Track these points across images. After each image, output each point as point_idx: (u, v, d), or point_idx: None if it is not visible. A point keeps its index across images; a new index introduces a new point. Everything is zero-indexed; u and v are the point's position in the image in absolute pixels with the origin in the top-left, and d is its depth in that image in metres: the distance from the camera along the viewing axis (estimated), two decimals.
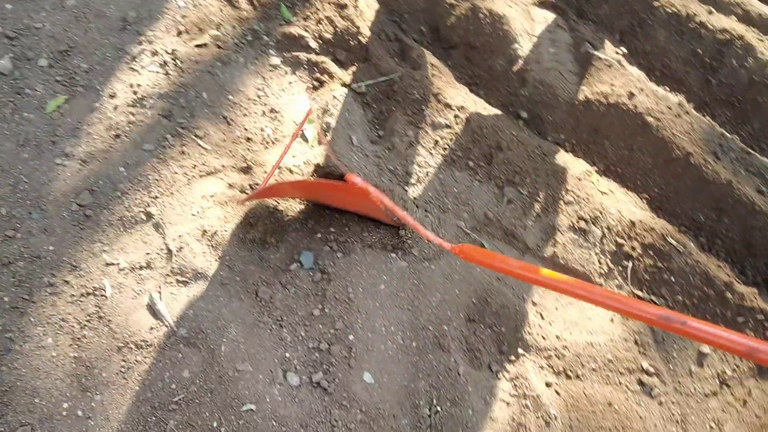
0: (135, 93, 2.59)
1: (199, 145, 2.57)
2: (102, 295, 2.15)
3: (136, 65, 2.67)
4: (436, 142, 2.83)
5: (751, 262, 2.75)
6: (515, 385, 2.31)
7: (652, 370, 2.43)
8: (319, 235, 2.51)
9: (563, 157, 2.84)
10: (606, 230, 2.61)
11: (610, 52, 3.24)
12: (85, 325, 2.07)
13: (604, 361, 2.42)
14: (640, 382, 2.41)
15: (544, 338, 2.43)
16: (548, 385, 2.34)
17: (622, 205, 2.68)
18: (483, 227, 2.67)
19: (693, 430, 2.33)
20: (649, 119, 2.87)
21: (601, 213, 2.63)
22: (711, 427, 2.34)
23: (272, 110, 2.79)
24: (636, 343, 2.47)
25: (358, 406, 2.18)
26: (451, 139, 2.83)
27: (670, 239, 2.59)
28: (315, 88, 2.99)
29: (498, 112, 2.96)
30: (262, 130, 2.72)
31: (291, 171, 2.65)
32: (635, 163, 2.88)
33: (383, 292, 2.42)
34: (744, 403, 2.41)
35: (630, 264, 2.61)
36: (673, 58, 3.26)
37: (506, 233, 2.65)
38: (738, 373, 2.47)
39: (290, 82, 2.92)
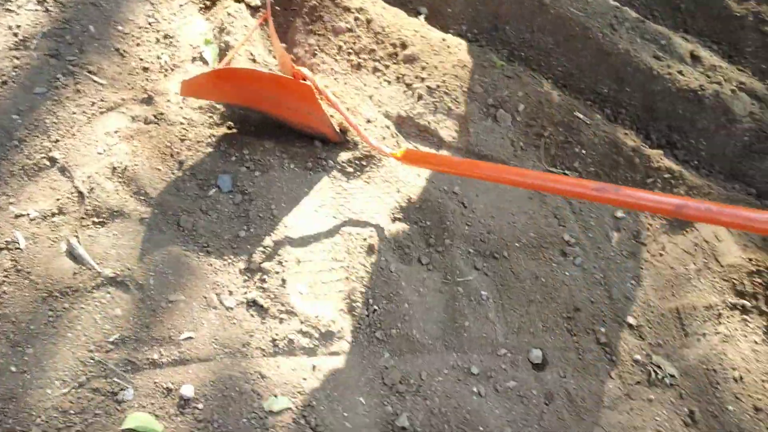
0: (15, 35, 2.44)
1: (94, 81, 2.46)
2: (16, 248, 2.09)
3: (11, 5, 2.51)
4: (340, 47, 2.79)
5: (654, 126, 2.86)
6: (445, 273, 2.38)
7: (572, 240, 2.54)
8: (234, 158, 2.48)
9: (467, 48, 2.84)
10: (516, 113, 2.65)
11: None
12: (3, 281, 2.02)
13: (527, 239, 2.51)
14: (563, 253, 2.52)
15: (468, 225, 2.49)
16: (477, 268, 2.43)
17: (529, 87, 2.72)
18: (398, 126, 2.67)
19: (615, 288, 2.47)
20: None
21: (509, 97, 2.66)
22: (632, 284, 2.49)
23: (166, 36, 2.68)
24: (555, 217, 2.56)
25: (297, 316, 2.21)
26: (354, 43, 2.79)
27: (577, 114, 2.66)
28: (208, 8, 2.88)
29: (398, 10, 2.92)
30: (158, 57, 2.62)
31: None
32: (537, 44, 2.91)
33: (307, 205, 2.43)
34: (660, 257, 2.56)
35: (542, 142, 2.68)
36: None
37: (420, 129, 2.66)
38: (651, 231, 2.60)
39: (181, 5, 2.81)
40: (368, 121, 2.56)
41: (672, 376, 2.35)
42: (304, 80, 2.31)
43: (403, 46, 2.75)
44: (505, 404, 2.18)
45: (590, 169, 2.65)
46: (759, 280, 2.51)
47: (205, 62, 2.75)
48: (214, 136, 2.51)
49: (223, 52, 2.74)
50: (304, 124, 2.49)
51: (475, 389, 2.19)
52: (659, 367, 2.35)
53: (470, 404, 2.15)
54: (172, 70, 2.62)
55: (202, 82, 2.29)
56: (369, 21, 2.77)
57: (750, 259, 2.56)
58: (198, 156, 2.46)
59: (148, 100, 2.50)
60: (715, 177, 2.78)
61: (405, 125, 2.66)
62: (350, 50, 2.76)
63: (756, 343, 2.45)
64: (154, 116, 2.46)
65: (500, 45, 2.95)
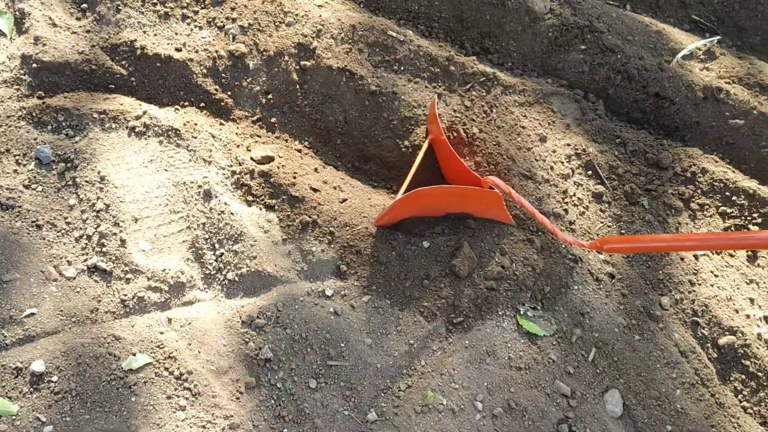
0: None
1: None
2: None
3: None
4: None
5: (466, 35, 2.97)
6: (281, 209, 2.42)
7: None
8: (50, 127, 2.39)
9: None
10: (331, 39, 2.69)
11: None
12: None
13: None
14: None
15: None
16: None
17: (341, 13, 2.76)
18: None
19: None
20: None
21: (322, 25, 2.69)
22: None
23: None
24: None
25: (143, 273, 2.20)
26: None
27: (390, 33, 2.72)
28: None
29: None
30: None
31: None
32: None
33: (135, 162, 2.39)
34: None
35: (359, 64, 2.73)
36: None
37: None
38: None
39: None
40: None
41: None
42: (491, 188, 2.33)
43: None
44: (362, 317, 2.27)
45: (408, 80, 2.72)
46: None
47: (2, 34, 2.60)
48: (24, 108, 2.40)
49: (19, 22, 2.60)
50: (483, 215, 2.48)
51: (331, 309, 2.26)
52: None
53: (329, 324, 2.22)
54: None
55: (394, 212, 2.33)
56: None
57: None
58: (11, 132, 2.35)
59: None
60: (528, 75, 2.95)
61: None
62: (155, 0, 2.69)
63: None
64: None
65: None
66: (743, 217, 2.67)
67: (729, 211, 2.67)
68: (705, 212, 2.68)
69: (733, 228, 2.67)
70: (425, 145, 2.53)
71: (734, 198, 2.67)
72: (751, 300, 2.52)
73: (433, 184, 2.45)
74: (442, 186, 2.45)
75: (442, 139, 2.43)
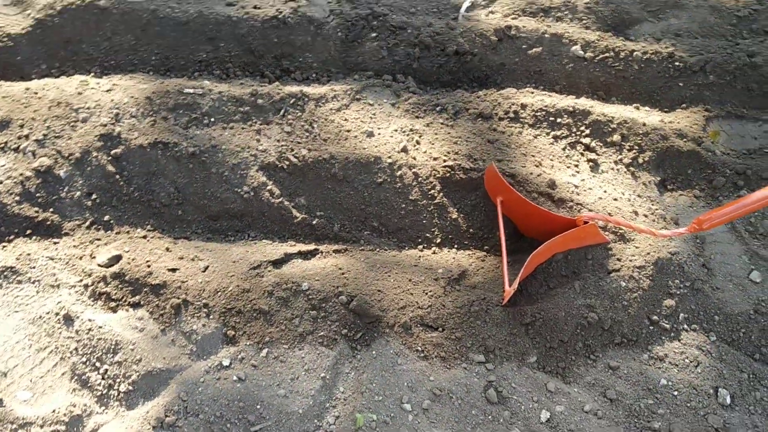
0: None
1: None
2: None
3: None
4: None
5: (263, 63, 2.98)
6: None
7: None
8: None
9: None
10: (132, 119, 2.63)
11: None
12: None
13: None
14: None
15: None
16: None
17: (132, 90, 2.70)
18: None
19: None
20: None
21: (118, 109, 2.63)
22: None
23: None
24: None
25: (34, 423, 2.09)
26: None
27: (187, 90, 2.69)
28: None
29: None
30: None
31: None
32: (118, 47, 2.87)
33: None
34: None
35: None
36: None
37: None
38: None
39: None
40: None
41: None
42: (586, 222, 2.46)
43: None
44: (267, 372, 2.25)
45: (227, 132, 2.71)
46: None
47: None
48: None
49: None
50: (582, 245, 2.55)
51: (234, 377, 2.23)
52: None
53: (238, 392, 2.18)
54: None
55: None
56: None
57: None
58: None
59: None
60: (335, 79, 2.99)
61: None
62: None
63: None
64: None
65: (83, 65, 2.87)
66: (573, 135, 2.83)
67: (559, 133, 2.82)
68: (541, 142, 2.82)
69: (568, 147, 2.83)
70: (499, 210, 2.59)
71: (559, 120, 2.82)
72: None
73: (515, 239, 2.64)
74: (549, 242, 2.48)
75: (516, 197, 2.51)
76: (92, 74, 2.83)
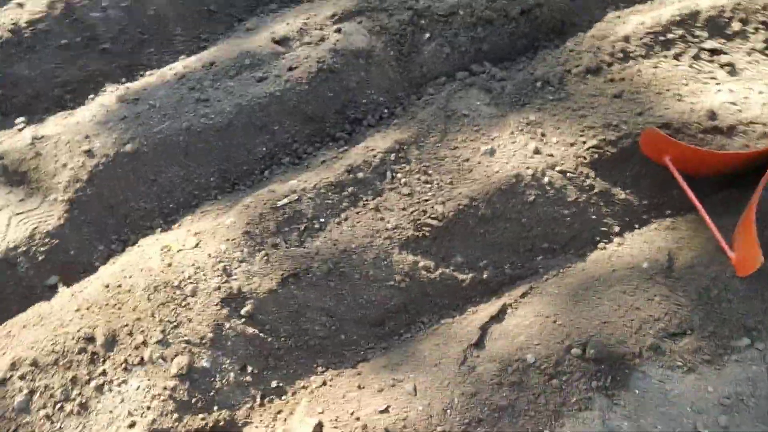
0: None
1: None
2: None
3: None
4: None
5: None
6: None
7: None
8: None
9: None
10: None
11: None
12: None
13: None
14: None
15: None
16: None
17: None
18: None
19: None
20: None
21: None
22: None
23: None
24: None
25: None
26: None
27: None
28: None
29: None
30: None
31: None
32: None
33: None
34: None
35: None
36: None
37: None
38: None
39: None
40: None
41: None
42: None
43: None
44: None
45: None
46: None
47: None
48: None
49: None
50: None
51: None
52: None
53: None
54: None
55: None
56: None
57: None
58: None
59: None
60: (409, 102, 2.56)
61: None
62: None
63: None
64: None
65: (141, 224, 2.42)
66: (692, 45, 2.46)
67: (677, 50, 2.46)
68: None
69: (692, 62, 2.45)
70: (673, 169, 2.23)
71: (669, 35, 2.49)
72: None
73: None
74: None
75: (690, 150, 2.19)
76: (159, 230, 2.38)
